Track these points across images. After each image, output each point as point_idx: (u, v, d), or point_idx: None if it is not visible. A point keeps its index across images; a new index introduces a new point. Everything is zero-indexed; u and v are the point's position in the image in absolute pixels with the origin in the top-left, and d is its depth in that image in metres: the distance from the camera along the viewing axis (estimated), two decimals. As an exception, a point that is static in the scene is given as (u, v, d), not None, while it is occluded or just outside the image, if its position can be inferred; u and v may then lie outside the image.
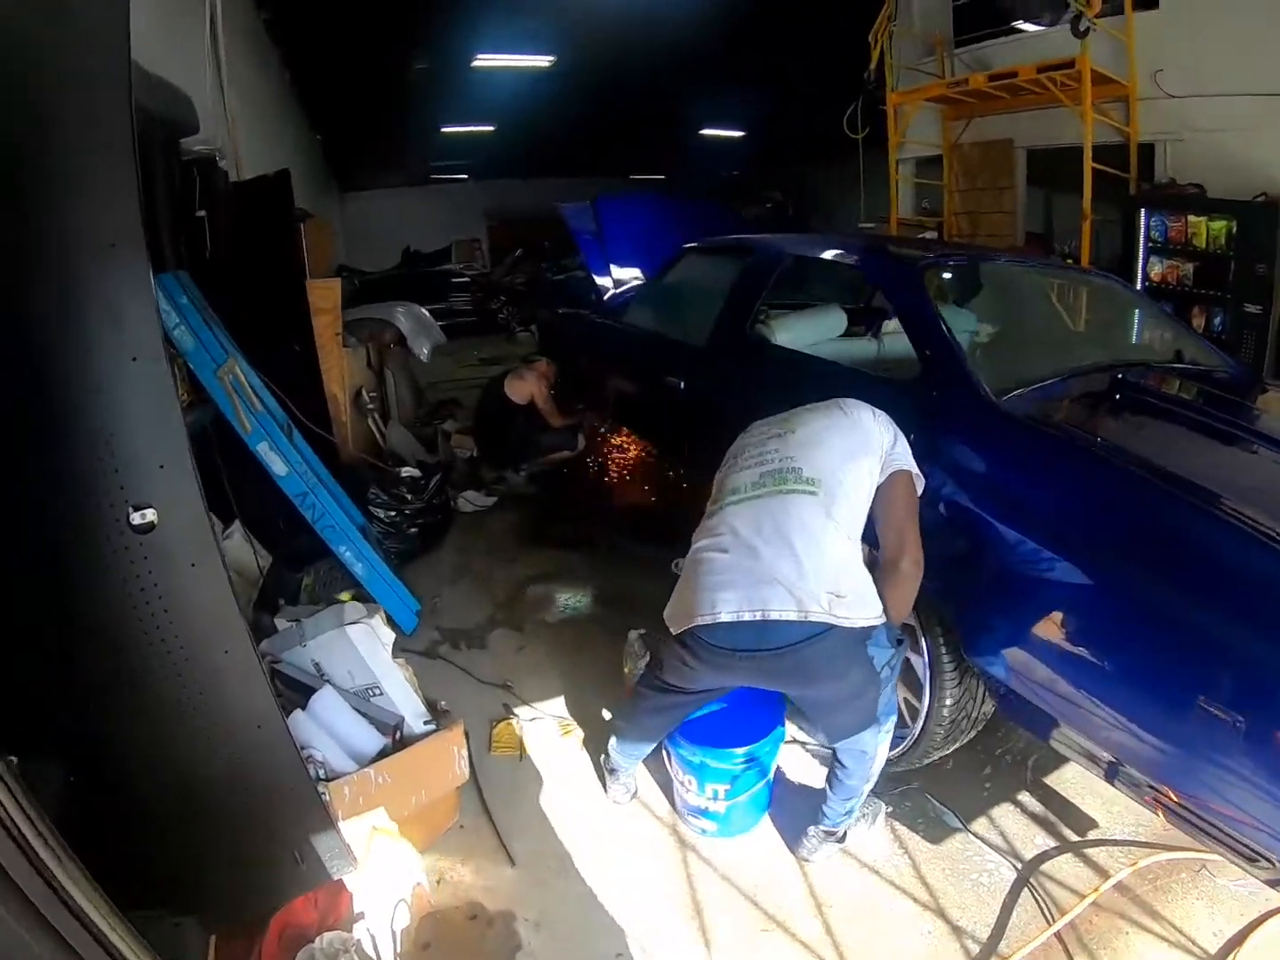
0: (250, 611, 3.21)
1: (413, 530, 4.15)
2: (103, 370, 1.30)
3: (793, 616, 1.88)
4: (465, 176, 20.38)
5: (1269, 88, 5.54)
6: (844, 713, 2.11)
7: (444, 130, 15.08)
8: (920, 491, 2.18)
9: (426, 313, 6.79)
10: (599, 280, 5.18)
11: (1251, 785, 1.67)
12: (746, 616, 1.91)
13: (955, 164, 8.08)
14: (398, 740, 2.28)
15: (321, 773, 1.99)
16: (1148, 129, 6.42)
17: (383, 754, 2.21)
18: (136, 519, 1.32)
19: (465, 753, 2.38)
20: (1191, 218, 5.59)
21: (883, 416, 2.22)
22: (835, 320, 3.75)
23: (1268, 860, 1.71)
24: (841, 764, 2.21)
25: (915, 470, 2.16)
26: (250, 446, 3.13)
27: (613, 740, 2.53)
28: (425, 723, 2.34)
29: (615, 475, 4.45)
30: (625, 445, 4.46)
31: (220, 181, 3.48)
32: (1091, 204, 6.04)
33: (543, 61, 11.72)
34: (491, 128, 14.99)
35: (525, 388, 5.03)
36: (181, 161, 3.29)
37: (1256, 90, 5.62)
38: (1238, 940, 2.07)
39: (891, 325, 4.10)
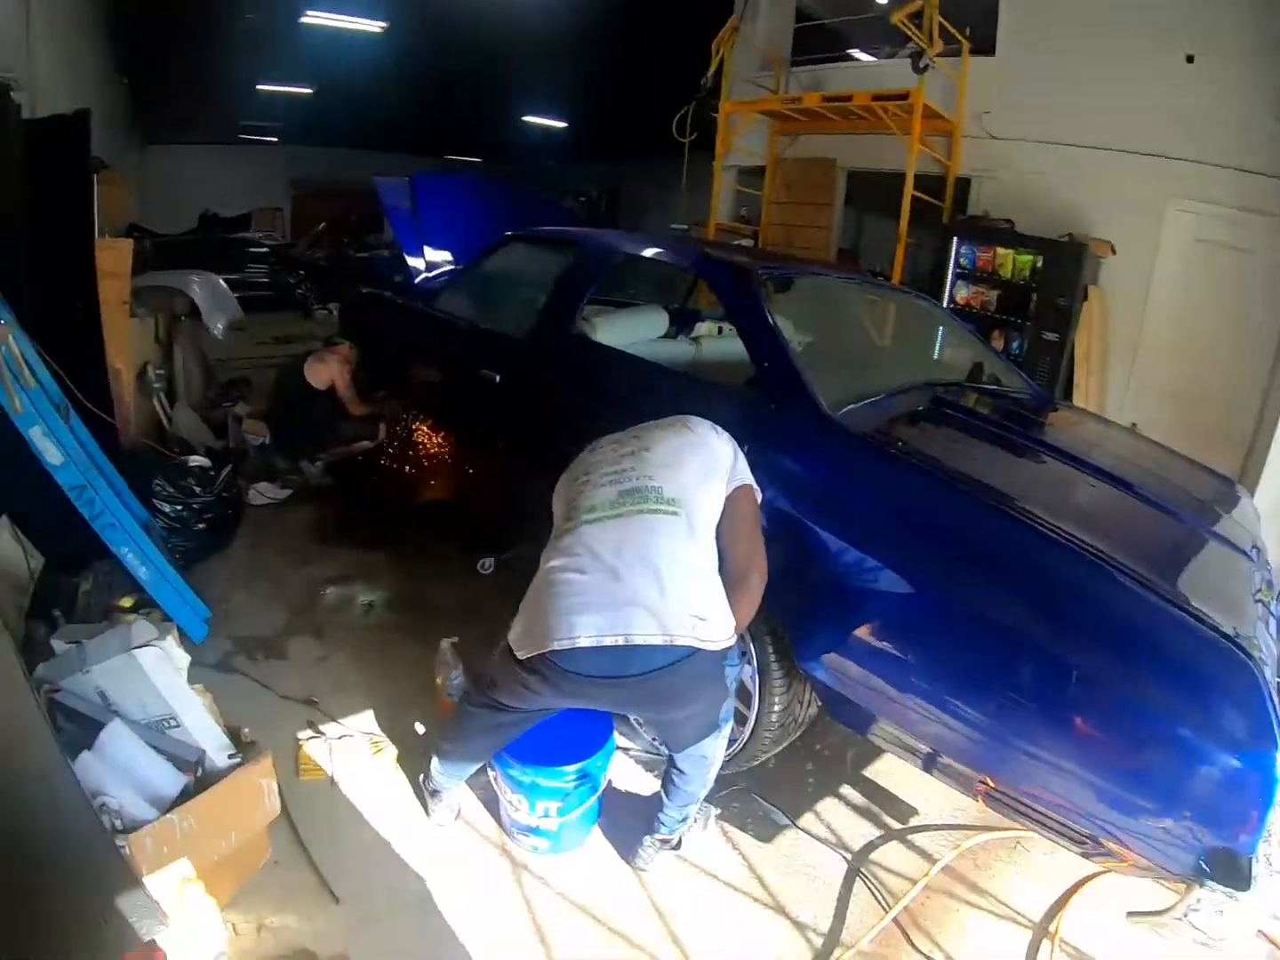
0: (22, 624, 2.82)
1: (200, 526, 3.78)
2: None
3: (657, 641, 1.85)
4: (275, 140, 18.88)
5: (1084, 140, 6.35)
6: (692, 725, 2.14)
7: (260, 88, 13.93)
8: (759, 503, 2.25)
9: (224, 284, 6.22)
10: (410, 261, 4.91)
11: (1057, 768, 1.89)
12: (608, 641, 1.85)
13: (778, 176, 8.55)
14: (199, 777, 2.08)
15: (118, 823, 1.77)
16: (968, 164, 7.11)
17: (184, 795, 2.00)
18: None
19: (275, 785, 2.21)
20: (1000, 249, 6.15)
21: (724, 434, 2.27)
22: (657, 320, 3.86)
23: (1085, 837, 1.95)
24: (680, 770, 2.25)
25: (754, 483, 2.23)
26: (21, 430, 2.72)
27: (435, 761, 2.44)
28: (229, 755, 2.14)
29: (418, 469, 4.28)
30: (430, 437, 4.28)
31: (10, 117, 2.97)
32: (908, 228, 6.56)
33: (374, 26, 11.19)
34: (310, 90, 14.07)
35: (325, 372, 4.74)
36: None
37: (1073, 141, 6.41)
38: (1060, 905, 2.39)
39: (704, 329, 4.32)
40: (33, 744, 1.31)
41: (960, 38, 6.66)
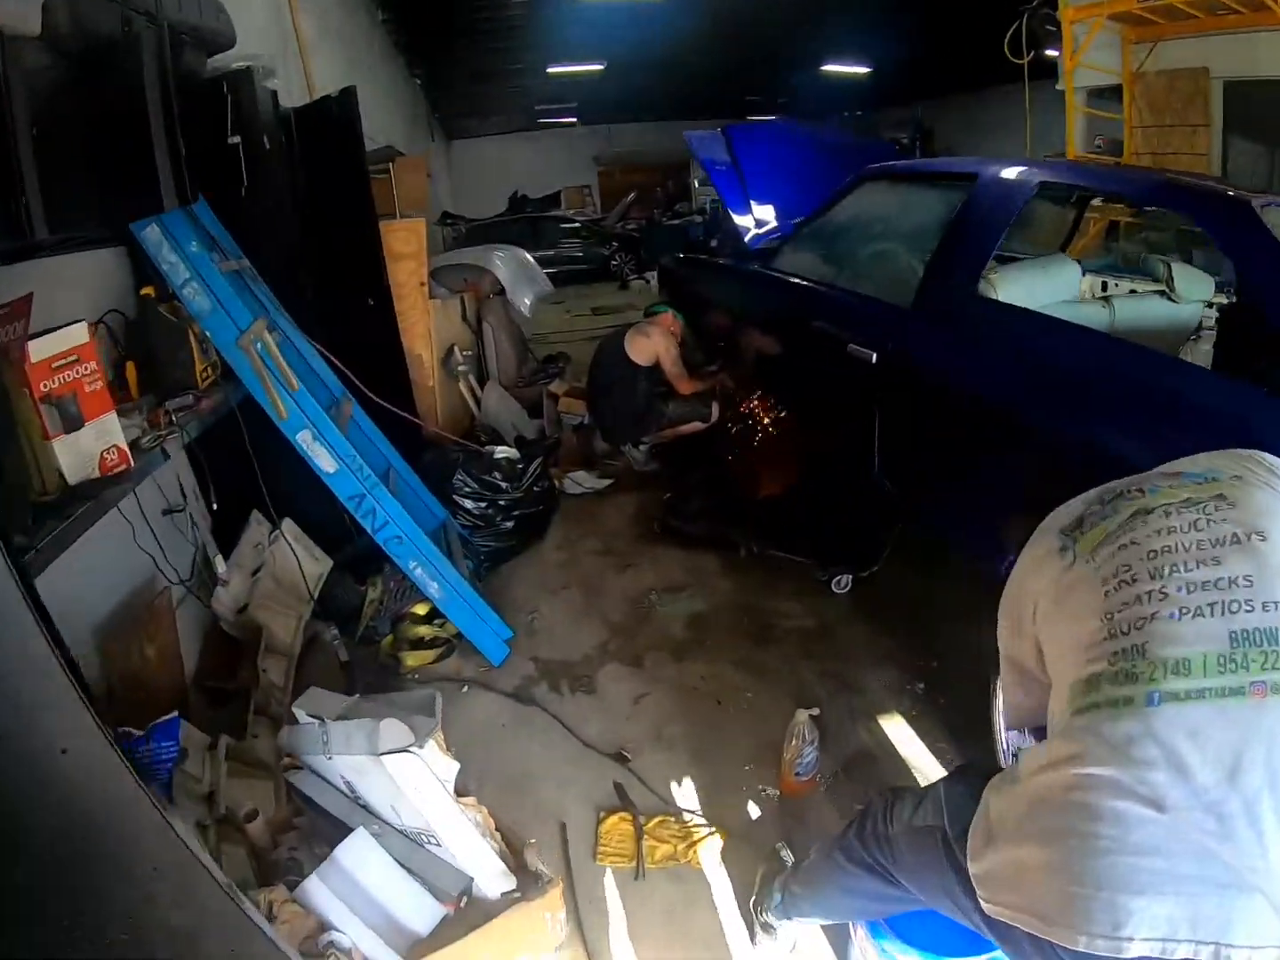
0: (301, 632, 2.52)
1: (508, 524, 3.33)
2: None
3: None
4: (574, 120, 19.27)
5: None
6: None
7: (551, 70, 13.75)
8: None
9: (530, 258, 5.87)
10: (738, 219, 4.13)
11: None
12: (1182, 954, 0.85)
13: (1138, 94, 6.43)
14: (462, 908, 1.48)
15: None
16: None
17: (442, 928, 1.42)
18: None
19: (561, 916, 1.57)
20: None
21: None
22: (1067, 275, 2.61)
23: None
24: None
25: None
26: (288, 436, 2.36)
27: (777, 896, 1.64)
28: (506, 890, 1.51)
29: (757, 458, 3.51)
30: (772, 422, 3.51)
31: (264, 103, 2.68)
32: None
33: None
34: (600, 67, 13.53)
35: (650, 346, 4.09)
36: (205, 79, 2.49)
37: None
38: None
39: (1118, 286, 3.20)
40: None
41: None
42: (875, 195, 3.13)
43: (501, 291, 5.39)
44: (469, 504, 3.24)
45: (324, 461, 2.39)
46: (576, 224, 13.99)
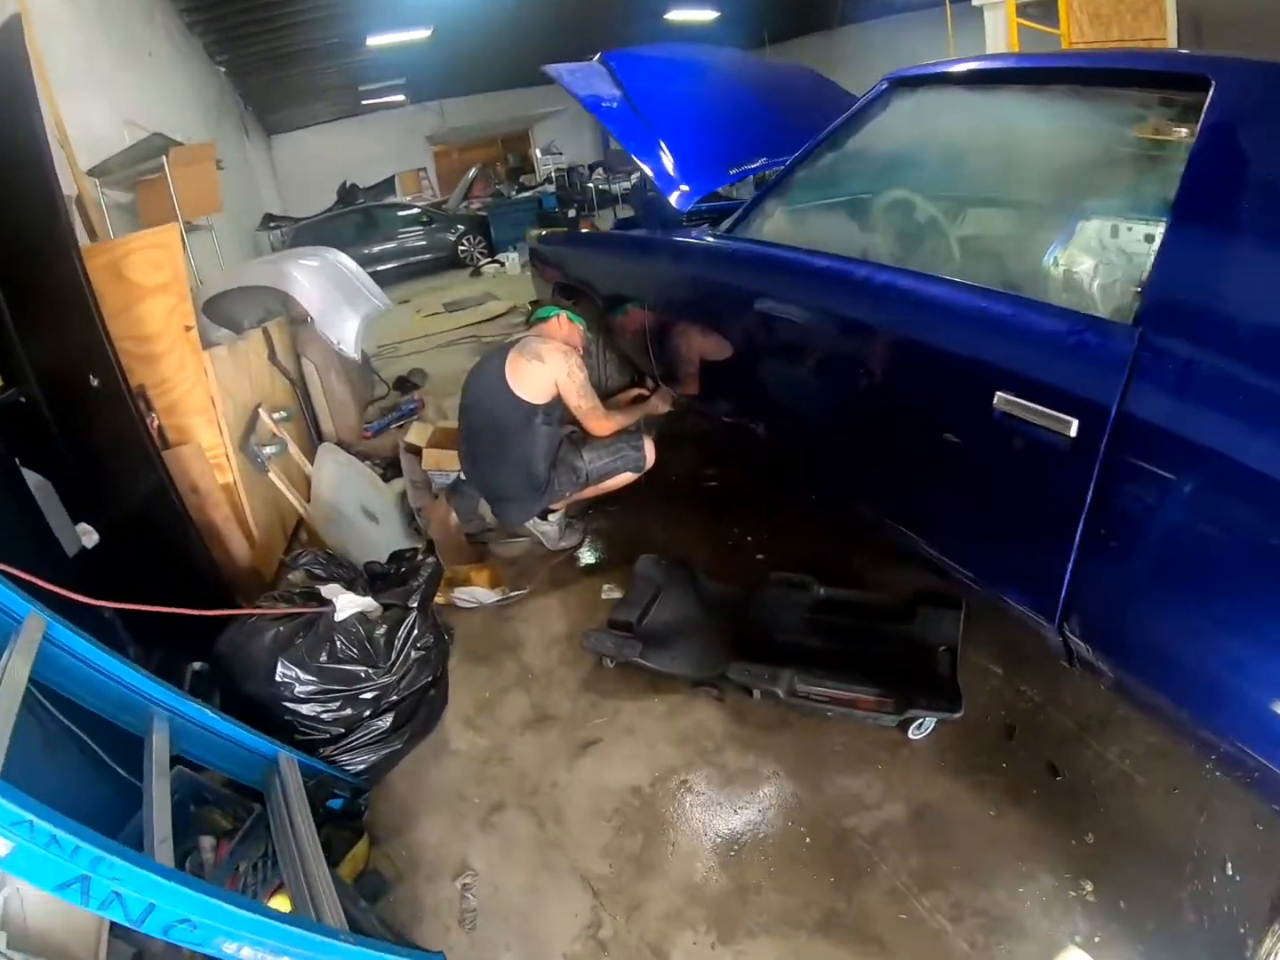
0: None
1: (380, 724, 1.93)
2: None
3: None
4: (403, 98, 17.22)
5: None
6: None
7: (372, 42, 11.80)
8: None
9: (351, 264, 4.22)
10: (645, 167, 2.80)
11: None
12: None
13: (1076, 8, 5.34)
14: None
15: None
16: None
17: None
18: None
19: None
20: None
21: None
22: None
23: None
24: None
25: None
26: None
27: None
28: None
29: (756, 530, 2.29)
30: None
31: None
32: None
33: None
34: (426, 33, 11.67)
35: (542, 375, 2.67)
36: None
37: None
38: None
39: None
40: None
41: None
42: (935, 118, 1.90)
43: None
44: (309, 709, 1.83)
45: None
46: (416, 210, 12.22)
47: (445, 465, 3.32)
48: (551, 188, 13.50)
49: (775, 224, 2.19)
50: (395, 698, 1.95)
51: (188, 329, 2.47)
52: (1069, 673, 1.52)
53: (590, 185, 14.97)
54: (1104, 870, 1.50)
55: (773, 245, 2.13)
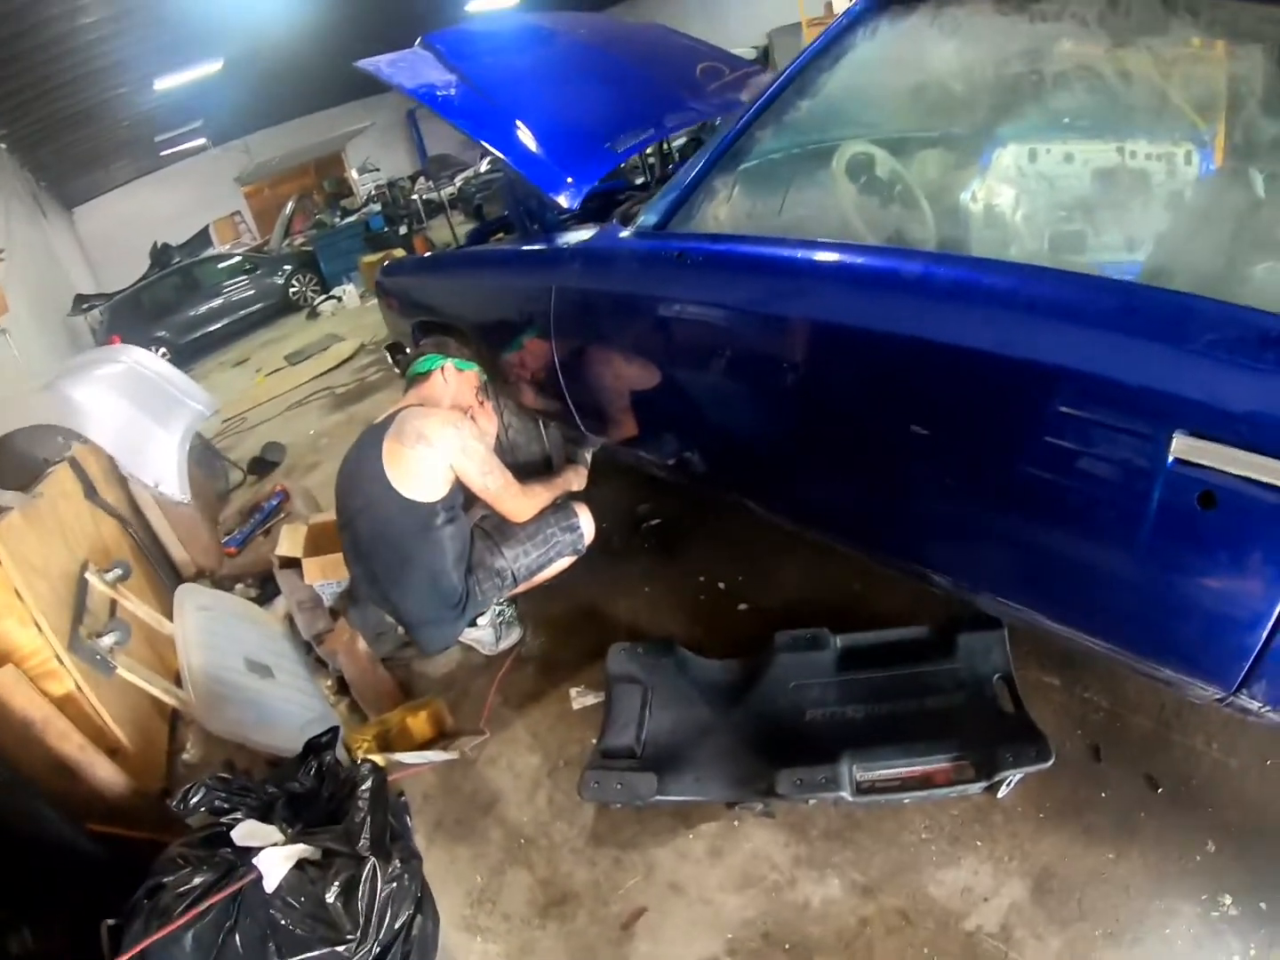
0: None
1: None
2: None
3: None
4: (204, 141, 15.61)
5: None
6: None
7: (159, 85, 10.32)
8: None
9: (154, 363, 3.36)
10: (509, 161, 2.20)
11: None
12: None
13: None
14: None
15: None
16: None
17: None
18: None
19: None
20: None
21: None
22: None
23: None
24: None
25: None
26: None
27: None
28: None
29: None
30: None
31: None
32: None
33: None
34: (217, 65, 10.39)
35: (432, 465, 2.05)
36: None
37: None
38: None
39: None
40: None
41: None
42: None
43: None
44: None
45: None
46: (237, 258, 11.03)
47: (332, 575, 2.67)
48: (377, 207, 12.50)
49: (734, 211, 1.72)
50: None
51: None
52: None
53: (415, 197, 14.05)
54: (1234, 876, 1.38)
55: (752, 241, 1.65)
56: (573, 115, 2.33)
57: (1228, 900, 1.34)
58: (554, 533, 2.23)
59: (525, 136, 2.17)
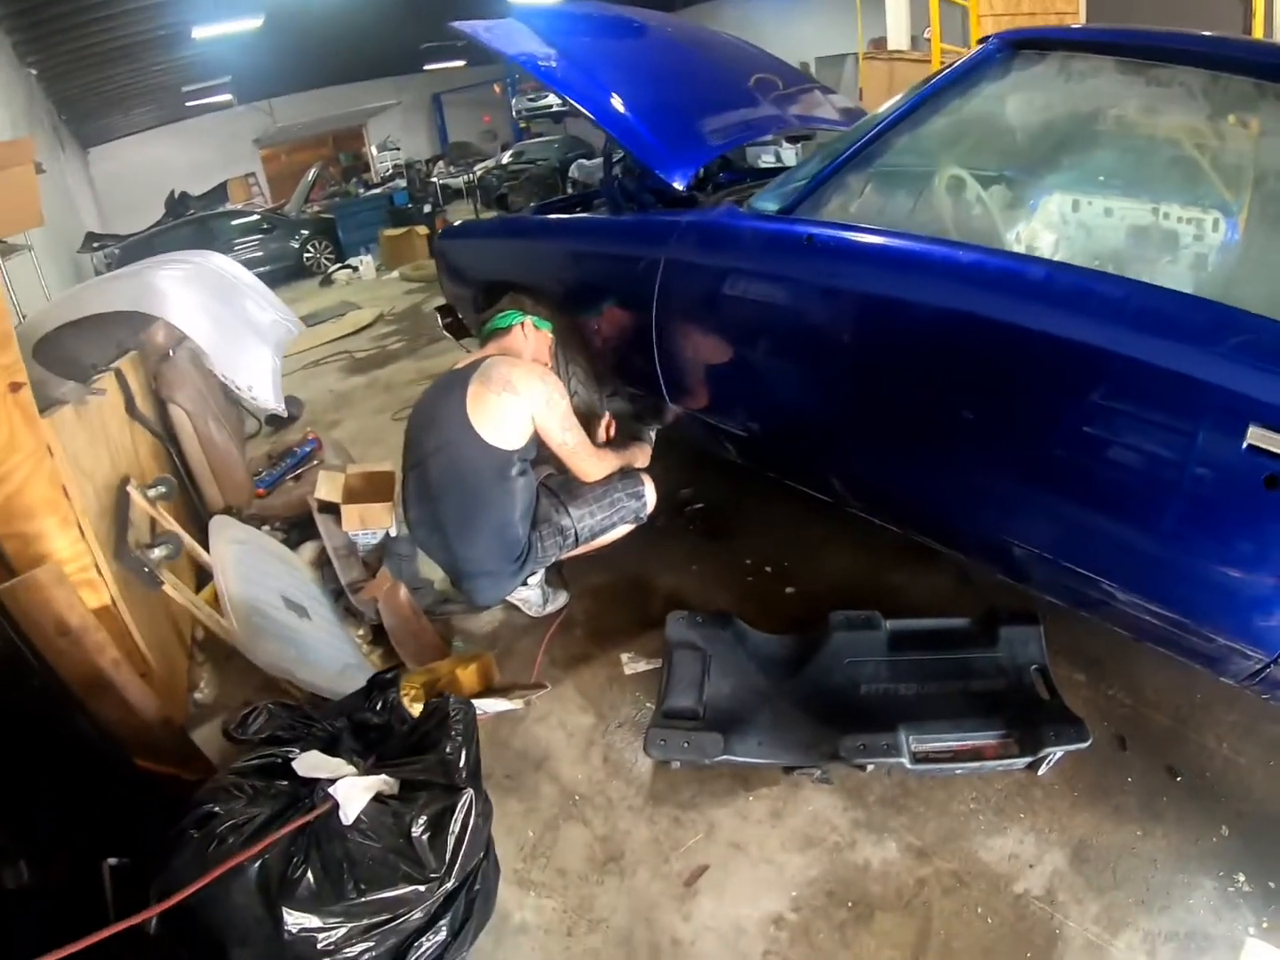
0: None
1: (434, 941, 1.23)
2: None
3: None
4: (230, 98, 15.31)
5: None
6: None
7: (198, 34, 10.09)
8: None
9: (236, 269, 3.19)
10: (618, 137, 2.13)
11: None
12: None
13: None
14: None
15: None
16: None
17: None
18: None
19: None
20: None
21: None
22: None
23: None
24: None
25: None
26: None
27: None
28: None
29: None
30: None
31: None
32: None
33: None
34: (257, 22, 10.26)
35: (517, 413, 1.99)
36: None
37: None
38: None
39: None
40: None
41: None
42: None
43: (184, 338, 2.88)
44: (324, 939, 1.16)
45: None
46: (255, 217, 10.82)
47: (371, 523, 2.58)
48: (402, 183, 12.44)
49: (865, 205, 1.82)
50: (453, 900, 1.29)
51: (15, 388, 1.65)
52: (1145, 666, 1.84)
53: (434, 180, 13.96)
54: (1247, 858, 1.49)
55: (897, 235, 1.71)
56: (675, 103, 2.33)
57: (1241, 878, 1.45)
58: (620, 498, 2.19)
59: (631, 116, 2.16)
